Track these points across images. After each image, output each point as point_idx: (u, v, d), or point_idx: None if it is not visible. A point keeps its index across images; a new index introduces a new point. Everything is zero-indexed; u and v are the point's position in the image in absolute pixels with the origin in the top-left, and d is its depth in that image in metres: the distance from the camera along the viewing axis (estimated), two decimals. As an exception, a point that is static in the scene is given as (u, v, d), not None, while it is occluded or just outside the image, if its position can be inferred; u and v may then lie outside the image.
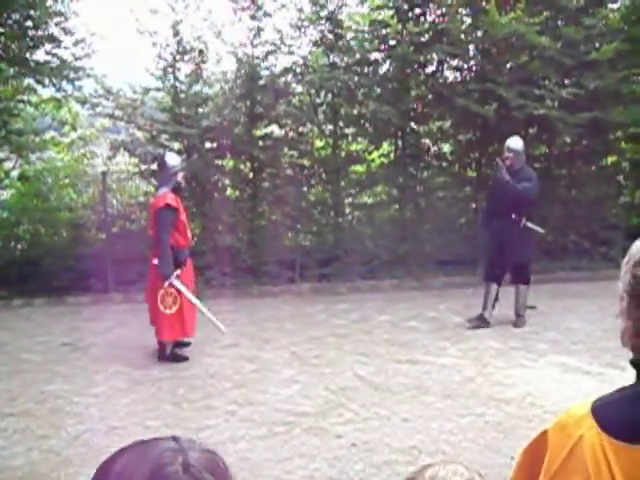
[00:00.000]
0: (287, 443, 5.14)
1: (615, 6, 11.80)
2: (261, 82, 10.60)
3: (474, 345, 7.53)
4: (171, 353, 7.15)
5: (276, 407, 5.86)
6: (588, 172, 12.32)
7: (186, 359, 7.13)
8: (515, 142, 8.13)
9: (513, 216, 8.00)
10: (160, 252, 6.82)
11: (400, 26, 10.52)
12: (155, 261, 6.85)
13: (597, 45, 11.05)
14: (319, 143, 11.50)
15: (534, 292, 8.54)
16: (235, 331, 8.14)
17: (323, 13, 10.73)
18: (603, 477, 1.33)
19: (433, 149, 11.76)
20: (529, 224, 8.22)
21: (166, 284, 6.81)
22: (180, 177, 7.16)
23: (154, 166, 9.94)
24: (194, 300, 7.08)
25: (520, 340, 7.71)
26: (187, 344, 7.35)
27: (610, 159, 12.49)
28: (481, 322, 8.16)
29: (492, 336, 7.87)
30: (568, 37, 10.81)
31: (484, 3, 10.89)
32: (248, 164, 11.06)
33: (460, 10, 11.20)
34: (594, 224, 11.36)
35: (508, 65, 11.20)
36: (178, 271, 6.91)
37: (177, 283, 6.88)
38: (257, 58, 10.63)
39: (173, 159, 7.17)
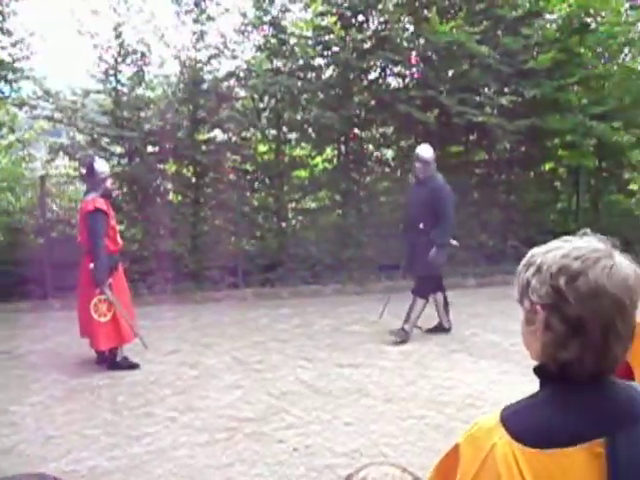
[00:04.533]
0: (228, 449, 5.12)
1: (552, 17, 12.10)
2: (204, 86, 10.56)
3: (415, 348, 7.62)
4: (123, 359, 7.03)
5: (218, 413, 5.83)
6: (526, 178, 12.62)
7: (137, 366, 7.02)
8: (424, 151, 7.95)
9: (421, 226, 7.81)
10: (95, 258, 6.68)
11: (343, 32, 10.61)
12: (91, 266, 6.70)
13: (535, 55, 11.33)
14: (262, 148, 11.51)
15: (473, 295, 8.69)
16: (177, 337, 8.07)
17: (267, 18, 10.74)
18: None
19: (376, 155, 11.88)
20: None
21: (99, 291, 6.68)
22: (109, 183, 7.03)
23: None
24: (123, 313, 6.91)
25: (461, 343, 7.83)
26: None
27: (547, 166, 12.82)
28: (441, 330, 8.25)
29: (433, 339, 7.98)
30: (507, 46, 11.07)
31: (426, 12, 11.06)
32: (191, 168, 10.99)
33: (402, 18, 11.34)
34: (532, 229, 11.61)
35: (449, 73, 11.39)
36: (110, 280, 6.79)
37: (108, 292, 6.74)
38: (200, 62, 10.58)
39: (102, 165, 7.00)
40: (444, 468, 1.53)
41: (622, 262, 1.45)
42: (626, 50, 13.54)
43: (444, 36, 10.60)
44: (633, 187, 13.88)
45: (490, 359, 7.17)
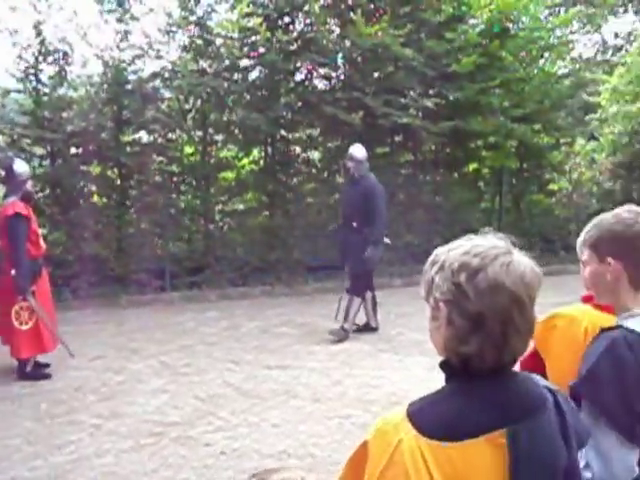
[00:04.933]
0: (155, 454, 5.06)
1: (474, 22, 12.38)
2: (128, 87, 10.39)
3: (343, 348, 7.69)
4: (32, 370, 6.84)
5: (144, 418, 5.75)
6: (451, 179, 12.87)
7: (48, 377, 6.83)
8: (357, 150, 8.04)
9: (354, 224, 7.94)
10: (16, 263, 6.48)
11: (269, 34, 10.60)
12: (12, 272, 6.51)
13: (458, 58, 11.56)
14: (188, 149, 11.40)
15: (399, 295, 8.81)
16: (102, 342, 7.93)
17: (192, 18, 10.65)
18: (422, 478, 1.41)
19: (302, 156, 11.92)
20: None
21: (22, 298, 6.50)
22: (29, 185, 6.82)
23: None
24: (46, 321, 6.75)
25: (387, 342, 7.93)
26: (47, 365, 7.03)
27: (471, 166, 13.12)
28: (368, 329, 8.33)
29: (360, 339, 8.06)
30: (431, 50, 11.27)
31: (351, 14, 11.16)
32: (115, 170, 10.80)
33: (328, 20, 11.42)
34: (457, 229, 11.81)
35: (375, 75, 11.51)
36: (33, 287, 6.62)
37: (31, 299, 6.57)
38: (124, 62, 10.40)
39: (21, 166, 6.78)
40: (354, 465, 1.55)
41: (520, 259, 1.52)
42: (546, 55, 13.98)
43: (369, 39, 10.73)
44: (553, 187, 14.34)
45: (415, 357, 7.28)
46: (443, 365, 1.57)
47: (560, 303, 2.64)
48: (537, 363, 2.49)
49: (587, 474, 1.97)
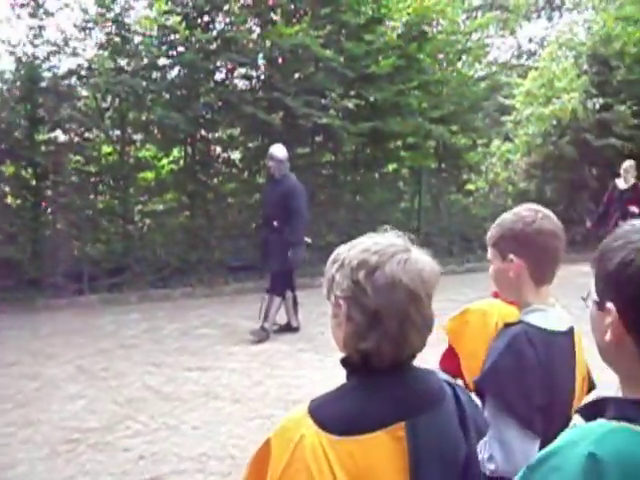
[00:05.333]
0: (71, 462, 4.95)
1: (393, 25, 12.56)
2: (43, 84, 10.12)
3: (264, 349, 7.69)
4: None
5: (60, 425, 5.62)
6: (371, 179, 13.02)
7: None
8: (278, 150, 8.05)
9: (275, 224, 7.95)
10: None
11: (188, 32, 10.49)
12: None
13: (377, 60, 11.71)
14: (106, 149, 11.18)
15: (320, 294, 8.79)
16: (17, 348, 7.70)
17: (109, 15, 10.45)
18: (324, 474, 1.44)
19: (223, 156, 11.86)
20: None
21: None
22: None
23: None
24: None
25: (308, 342, 7.97)
26: None
27: (391, 166, 13.31)
28: (289, 329, 8.34)
29: (281, 339, 8.08)
30: (351, 51, 11.38)
31: (272, 14, 11.17)
32: (30, 170, 10.48)
33: (248, 20, 11.39)
34: (377, 228, 11.96)
35: (295, 75, 11.56)
36: None
37: None
38: (38, 59, 10.13)
39: None
40: (257, 463, 1.56)
41: (418, 256, 1.56)
42: (463, 58, 14.33)
43: (290, 39, 10.76)
44: (470, 187, 14.69)
45: (336, 357, 7.30)
46: (344, 362, 1.61)
47: (478, 299, 2.73)
48: (453, 359, 2.56)
49: (491, 466, 2.04)
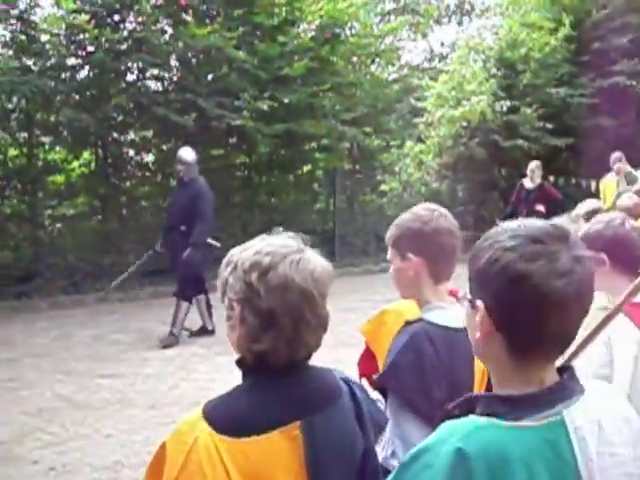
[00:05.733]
0: (-23, 476, 4.78)
1: (307, 27, 12.60)
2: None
3: (179, 353, 7.60)
4: None
5: (-36, 439, 5.41)
6: (286, 180, 13.05)
7: None
8: (186, 153, 7.97)
9: (182, 228, 7.83)
10: None
11: (97, 32, 10.25)
12: None
13: (290, 62, 11.73)
14: (13, 152, 10.83)
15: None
16: None
17: (14, 12, 10.10)
18: (218, 475, 1.44)
19: (136, 159, 11.66)
20: (209, 240, 8.08)
21: None
22: None
23: None
24: None
25: (224, 344, 7.82)
26: None
27: (305, 168, 13.37)
28: (204, 332, 8.24)
29: (196, 342, 8.00)
30: (264, 53, 11.36)
31: (184, 15, 11.05)
32: None
33: (160, 20, 11.23)
34: (293, 230, 11.86)
35: (208, 77, 11.47)
36: None
37: None
38: None
39: None
40: (153, 467, 1.55)
41: (310, 257, 1.58)
42: (377, 60, 14.53)
43: (202, 40, 10.66)
44: (385, 188, 14.89)
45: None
46: (239, 363, 1.61)
47: (395, 299, 2.75)
48: (372, 360, 2.59)
49: (394, 462, 2.07)
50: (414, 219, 2.27)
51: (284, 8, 12.07)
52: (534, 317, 1.23)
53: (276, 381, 1.55)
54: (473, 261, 1.32)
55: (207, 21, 11.48)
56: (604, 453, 1.26)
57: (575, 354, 1.44)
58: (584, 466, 1.23)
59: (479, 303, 1.29)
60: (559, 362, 1.37)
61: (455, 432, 1.22)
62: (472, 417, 1.26)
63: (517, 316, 1.24)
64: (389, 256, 2.35)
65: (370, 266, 12.57)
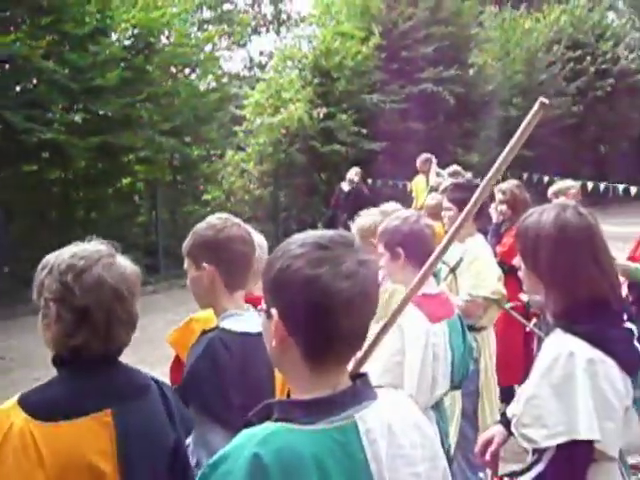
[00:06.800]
0: None
1: (119, 36, 12.30)
2: None
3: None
4: None
5: None
6: (105, 194, 12.65)
7: None
8: None
9: None
10: None
11: None
12: None
13: (103, 72, 11.36)
14: None
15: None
16: None
17: None
18: (32, 459, 1.58)
19: None
20: None
21: None
22: None
23: None
24: None
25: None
26: None
27: (125, 181, 13.03)
28: None
29: None
30: (74, 63, 10.93)
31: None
32: None
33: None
34: (115, 245, 11.64)
35: (16, 88, 10.90)
36: None
37: None
38: None
39: None
40: None
41: (121, 260, 1.80)
42: (196, 70, 14.46)
43: (5, 49, 10.08)
44: (207, 197, 14.81)
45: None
46: (54, 360, 1.75)
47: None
48: (181, 369, 2.58)
49: (198, 472, 2.09)
50: (207, 227, 2.32)
51: (95, 17, 11.69)
52: (324, 319, 1.30)
53: (89, 372, 1.72)
54: (266, 271, 1.38)
55: (11, 29, 10.87)
56: (394, 455, 1.35)
57: (369, 352, 1.52)
58: (374, 466, 1.32)
59: (273, 311, 1.34)
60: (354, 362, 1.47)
61: (252, 438, 1.28)
62: (268, 423, 1.32)
63: (308, 319, 1.31)
64: (185, 266, 2.38)
65: (195, 277, 12.42)
